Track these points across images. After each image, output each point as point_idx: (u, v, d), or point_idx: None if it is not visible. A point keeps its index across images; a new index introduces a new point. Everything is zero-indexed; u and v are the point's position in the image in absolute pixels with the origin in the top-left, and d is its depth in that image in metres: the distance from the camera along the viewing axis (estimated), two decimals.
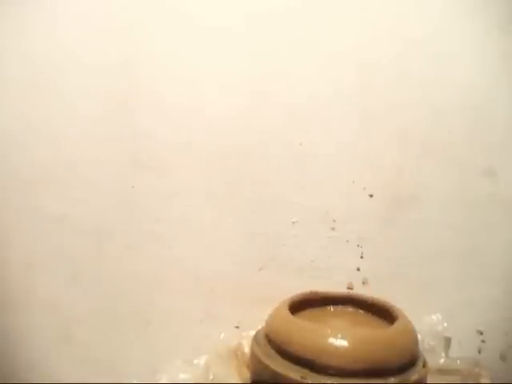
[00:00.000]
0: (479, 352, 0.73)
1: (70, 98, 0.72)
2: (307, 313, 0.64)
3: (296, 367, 0.53)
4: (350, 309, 0.66)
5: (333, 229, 0.73)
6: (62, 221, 0.72)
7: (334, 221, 0.73)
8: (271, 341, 0.58)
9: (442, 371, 0.65)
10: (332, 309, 0.66)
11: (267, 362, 0.55)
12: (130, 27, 0.71)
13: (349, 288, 0.73)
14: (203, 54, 0.71)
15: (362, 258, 0.74)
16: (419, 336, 0.60)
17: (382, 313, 0.62)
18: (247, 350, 0.64)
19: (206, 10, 0.70)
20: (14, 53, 0.71)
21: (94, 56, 0.71)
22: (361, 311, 0.65)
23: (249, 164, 0.73)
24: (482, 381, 0.64)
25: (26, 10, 0.70)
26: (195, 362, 0.68)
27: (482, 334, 0.73)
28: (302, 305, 0.63)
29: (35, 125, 0.72)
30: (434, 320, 0.71)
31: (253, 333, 0.63)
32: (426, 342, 0.67)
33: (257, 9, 0.70)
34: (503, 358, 0.73)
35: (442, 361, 0.67)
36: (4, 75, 0.72)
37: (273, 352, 0.56)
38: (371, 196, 0.73)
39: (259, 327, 0.63)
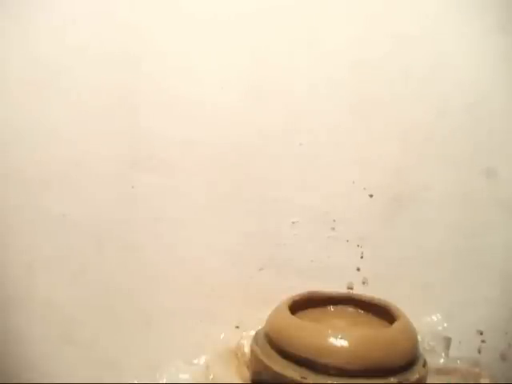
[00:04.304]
0: (479, 352, 0.73)
1: (70, 97, 0.72)
2: (307, 313, 0.64)
3: (296, 367, 0.53)
4: (350, 309, 0.66)
5: (333, 229, 0.73)
6: (62, 220, 0.72)
7: (334, 221, 0.73)
8: (271, 341, 0.58)
9: (441, 371, 0.65)
10: (332, 309, 0.66)
11: (267, 361, 0.55)
12: (131, 25, 0.71)
13: (349, 288, 0.73)
14: (205, 55, 0.71)
15: (362, 257, 0.74)
16: (419, 336, 0.60)
17: (382, 313, 0.62)
18: (247, 349, 0.64)
19: (208, 7, 0.70)
20: (16, 52, 0.71)
21: (95, 55, 0.71)
22: (361, 311, 0.65)
23: (249, 164, 0.73)
24: (482, 381, 0.64)
25: (29, 8, 0.70)
26: (195, 361, 0.68)
27: (481, 334, 0.73)
28: (302, 305, 0.64)
29: (36, 124, 0.72)
30: (434, 320, 0.71)
31: (253, 333, 0.63)
32: (425, 341, 0.67)
33: (258, 6, 0.70)
34: (503, 357, 0.73)
35: (441, 361, 0.67)
36: (5, 74, 0.71)
37: (273, 352, 0.56)
38: (371, 196, 0.73)
39: (259, 327, 0.63)
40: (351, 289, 0.73)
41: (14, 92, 0.71)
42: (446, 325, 0.70)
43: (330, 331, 0.54)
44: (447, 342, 0.69)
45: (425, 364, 0.57)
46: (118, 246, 0.73)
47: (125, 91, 0.71)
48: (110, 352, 0.73)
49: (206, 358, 0.68)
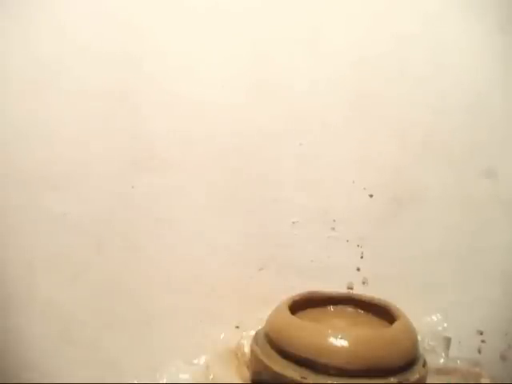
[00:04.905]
0: (479, 352, 0.73)
1: (71, 96, 0.72)
2: (307, 313, 0.64)
3: (296, 367, 0.53)
4: (350, 309, 0.66)
5: (333, 229, 0.73)
6: (62, 220, 0.72)
7: (334, 221, 0.73)
8: (271, 341, 0.58)
9: (441, 371, 0.65)
10: (332, 309, 0.66)
11: (267, 361, 0.55)
12: (131, 25, 0.71)
13: (349, 288, 0.73)
14: (206, 55, 0.71)
15: (362, 258, 0.74)
16: (419, 336, 0.60)
17: (382, 313, 0.62)
18: (247, 349, 0.64)
19: (209, 6, 0.70)
20: (16, 52, 0.71)
21: (96, 55, 0.71)
22: (361, 311, 0.65)
23: (249, 164, 0.73)
24: (482, 381, 0.64)
25: (29, 8, 0.70)
26: (195, 361, 0.68)
27: (481, 334, 0.73)
28: (302, 305, 0.64)
29: (36, 124, 0.72)
30: (434, 320, 0.71)
31: (253, 333, 0.63)
32: (426, 342, 0.67)
33: (259, 6, 0.70)
34: (503, 358, 0.73)
35: (441, 361, 0.67)
36: (6, 74, 0.71)
37: (273, 352, 0.56)
38: (371, 196, 0.73)
39: (259, 327, 0.63)
40: (351, 289, 0.73)
41: (14, 92, 0.71)
42: (445, 325, 0.70)
43: (330, 331, 0.54)
44: (447, 342, 0.69)
45: (425, 364, 0.57)
46: (119, 245, 0.73)
47: (125, 91, 0.71)
48: (110, 352, 0.73)
49: (206, 358, 0.68)
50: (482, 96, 0.71)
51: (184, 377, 0.65)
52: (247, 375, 0.62)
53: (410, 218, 0.73)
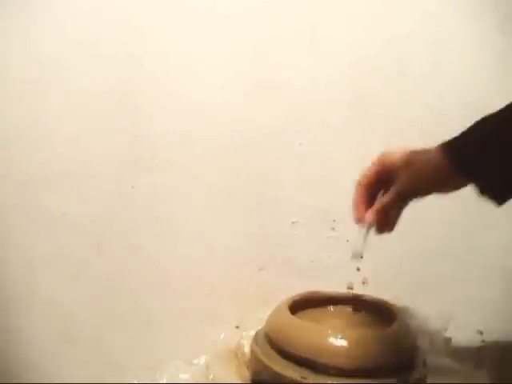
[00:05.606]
0: (479, 352, 0.73)
1: (71, 96, 0.72)
2: (307, 313, 0.64)
3: (296, 367, 0.53)
4: (350, 309, 0.66)
5: (333, 229, 0.73)
6: (62, 220, 0.72)
7: (334, 221, 0.73)
8: (271, 341, 0.58)
9: (441, 371, 0.65)
10: (332, 309, 0.66)
11: (267, 361, 0.55)
12: (132, 25, 0.71)
13: (349, 288, 0.73)
14: (206, 55, 0.71)
15: (361, 257, 0.74)
16: (419, 336, 0.60)
17: (382, 313, 0.62)
18: (247, 349, 0.64)
19: (209, 6, 0.70)
20: (17, 52, 0.71)
21: (96, 55, 0.71)
22: (361, 311, 0.65)
23: (249, 164, 0.73)
24: (482, 381, 0.64)
25: (29, 8, 0.70)
26: (195, 361, 0.68)
27: (482, 333, 0.73)
28: (302, 305, 0.64)
29: (37, 124, 0.72)
30: (434, 320, 0.71)
31: (253, 333, 0.63)
32: (426, 341, 0.67)
33: (258, 6, 0.70)
34: (503, 357, 0.73)
35: (442, 361, 0.67)
36: (6, 74, 0.72)
37: (273, 352, 0.56)
38: None
39: (259, 327, 0.63)
40: (351, 289, 0.73)
41: (14, 92, 0.71)
42: (446, 325, 0.70)
43: (329, 331, 0.54)
44: (447, 342, 0.69)
45: (425, 364, 0.57)
46: (118, 245, 0.73)
47: (126, 91, 0.71)
48: (111, 352, 0.73)
49: (206, 358, 0.68)
50: (480, 95, 0.71)
51: (184, 377, 0.65)
52: (247, 375, 0.62)
53: (410, 218, 0.73)
